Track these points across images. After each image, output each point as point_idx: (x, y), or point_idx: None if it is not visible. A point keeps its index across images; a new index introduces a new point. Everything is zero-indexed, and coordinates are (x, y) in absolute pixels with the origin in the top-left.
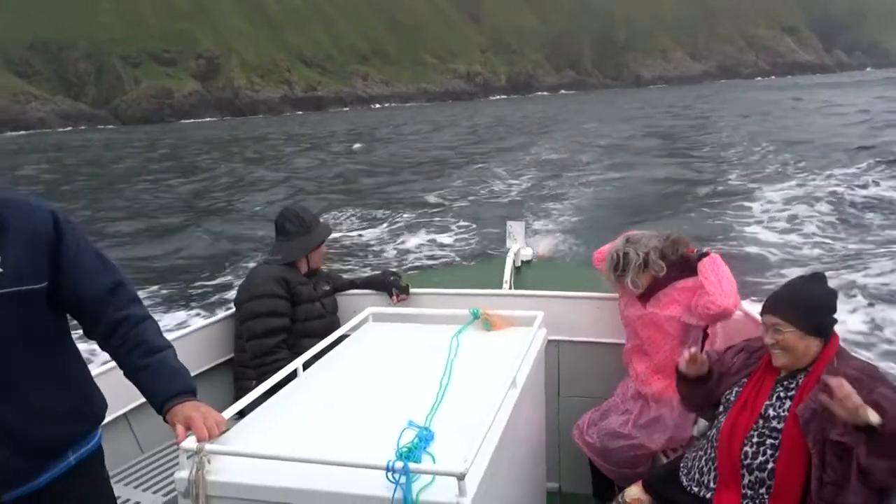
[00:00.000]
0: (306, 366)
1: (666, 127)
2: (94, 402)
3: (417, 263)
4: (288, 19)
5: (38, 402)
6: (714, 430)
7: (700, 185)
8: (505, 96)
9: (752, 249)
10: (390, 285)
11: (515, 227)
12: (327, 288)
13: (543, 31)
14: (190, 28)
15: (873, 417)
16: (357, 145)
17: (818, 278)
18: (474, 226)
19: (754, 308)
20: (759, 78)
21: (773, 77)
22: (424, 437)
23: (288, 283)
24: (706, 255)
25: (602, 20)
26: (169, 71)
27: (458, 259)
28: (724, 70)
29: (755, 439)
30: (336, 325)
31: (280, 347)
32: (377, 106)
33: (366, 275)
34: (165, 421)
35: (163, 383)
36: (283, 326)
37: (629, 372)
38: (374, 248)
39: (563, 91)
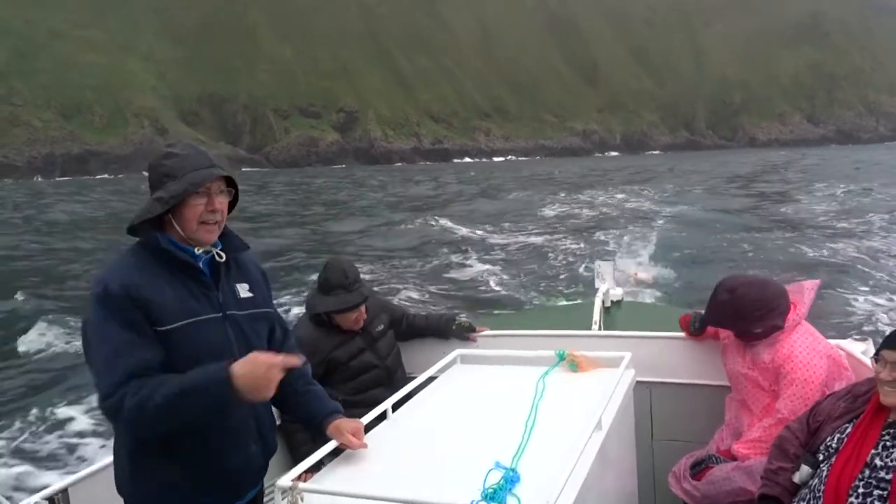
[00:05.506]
0: (395, 407)
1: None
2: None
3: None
4: (419, 79)
5: (268, 413)
6: (817, 480)
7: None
8: (618, 153)
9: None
10: (452, 334)
11: (604, 267)
12: (381, 328)
13: (658, 93)
14: (333, 86)
15: None
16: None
17: None
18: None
19: (856, 347)
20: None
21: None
22: (510, 479)
23: (322, 349)
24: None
25: (717, 83)
26: (313, 123)
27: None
28: (842, 135)
29: (861, 490)
30: (393, 369)
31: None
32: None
33: (425, 316)
34: (325, 433)
35: (323, 404)
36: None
37: (725, 419)
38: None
39: (673, 151)
